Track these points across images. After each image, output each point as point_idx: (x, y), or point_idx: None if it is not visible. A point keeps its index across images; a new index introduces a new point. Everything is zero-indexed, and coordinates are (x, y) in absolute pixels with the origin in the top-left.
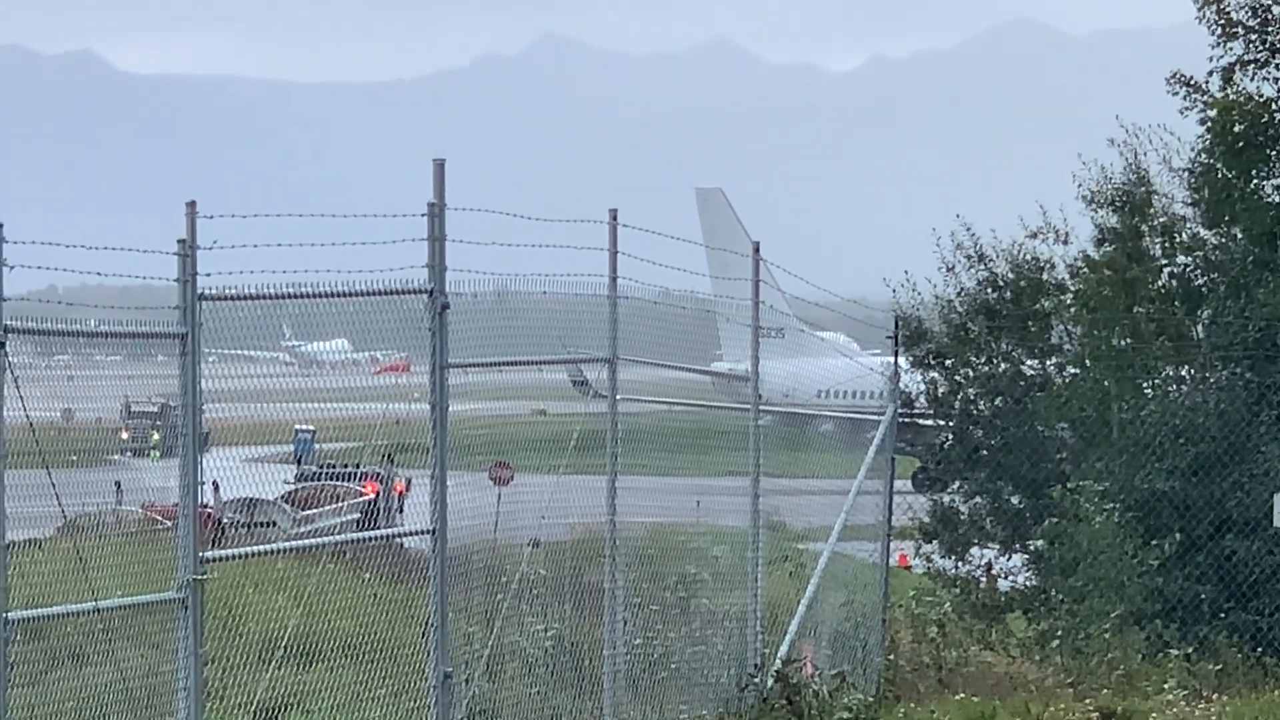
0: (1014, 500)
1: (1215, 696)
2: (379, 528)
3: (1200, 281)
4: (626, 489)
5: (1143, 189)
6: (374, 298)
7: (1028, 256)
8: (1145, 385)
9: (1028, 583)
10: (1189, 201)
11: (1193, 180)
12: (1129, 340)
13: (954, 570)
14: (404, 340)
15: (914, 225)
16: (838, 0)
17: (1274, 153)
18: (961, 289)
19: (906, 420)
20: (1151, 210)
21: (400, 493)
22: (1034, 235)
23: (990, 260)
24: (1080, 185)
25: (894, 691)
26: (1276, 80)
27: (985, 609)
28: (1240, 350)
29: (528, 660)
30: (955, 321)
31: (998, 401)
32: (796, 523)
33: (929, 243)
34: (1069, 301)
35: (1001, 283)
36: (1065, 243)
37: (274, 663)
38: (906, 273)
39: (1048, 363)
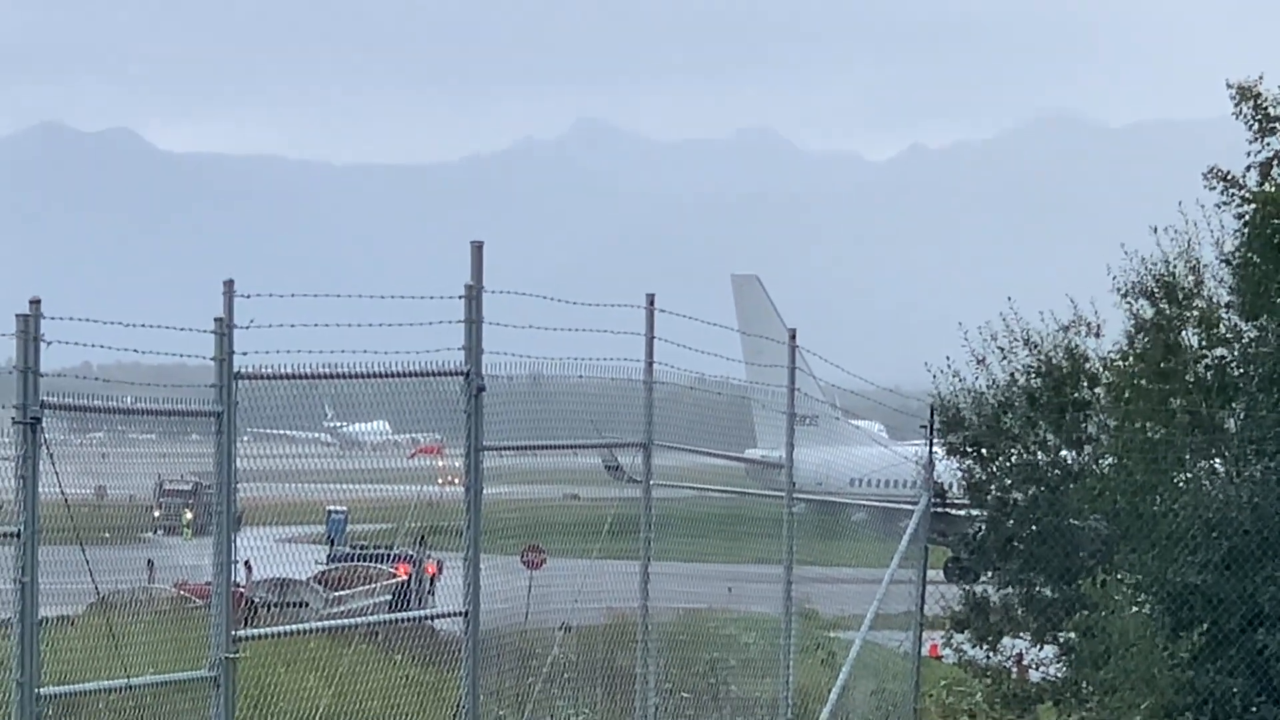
0: (1046, 591)
1: None
2: (411, 609)
3: (1237, 374)
4: (659, 574)
5: (1191, 277)
6: (411, 379)
7: (1068, 345)
8: (1178, 478)
9: (1059, 674)
10: (1231, 289)
11: (1232, 272)
12: (1169, 429)
13: (985, 660)
14: (440, 422)
15: (950, 314)
16: (877, 91)
17: None
18: (993, 381)
19: (940, 510)
20: (1197, 301)
21: (432, 575)
22: (1066, 328)
23: (1037, 346)
24: (1114, 277)
25: None
26: None
27: (1016, 699)
28: (1274, 444)
29: None
30: (989, 411)
31: (1032, 491)
32: (828, 611)
33: (964, 332)
34: (1102, 393)
35: (1046, 369)
36: (1097, 336)
37: None
38: (948, 358)
39: (1083, 453)
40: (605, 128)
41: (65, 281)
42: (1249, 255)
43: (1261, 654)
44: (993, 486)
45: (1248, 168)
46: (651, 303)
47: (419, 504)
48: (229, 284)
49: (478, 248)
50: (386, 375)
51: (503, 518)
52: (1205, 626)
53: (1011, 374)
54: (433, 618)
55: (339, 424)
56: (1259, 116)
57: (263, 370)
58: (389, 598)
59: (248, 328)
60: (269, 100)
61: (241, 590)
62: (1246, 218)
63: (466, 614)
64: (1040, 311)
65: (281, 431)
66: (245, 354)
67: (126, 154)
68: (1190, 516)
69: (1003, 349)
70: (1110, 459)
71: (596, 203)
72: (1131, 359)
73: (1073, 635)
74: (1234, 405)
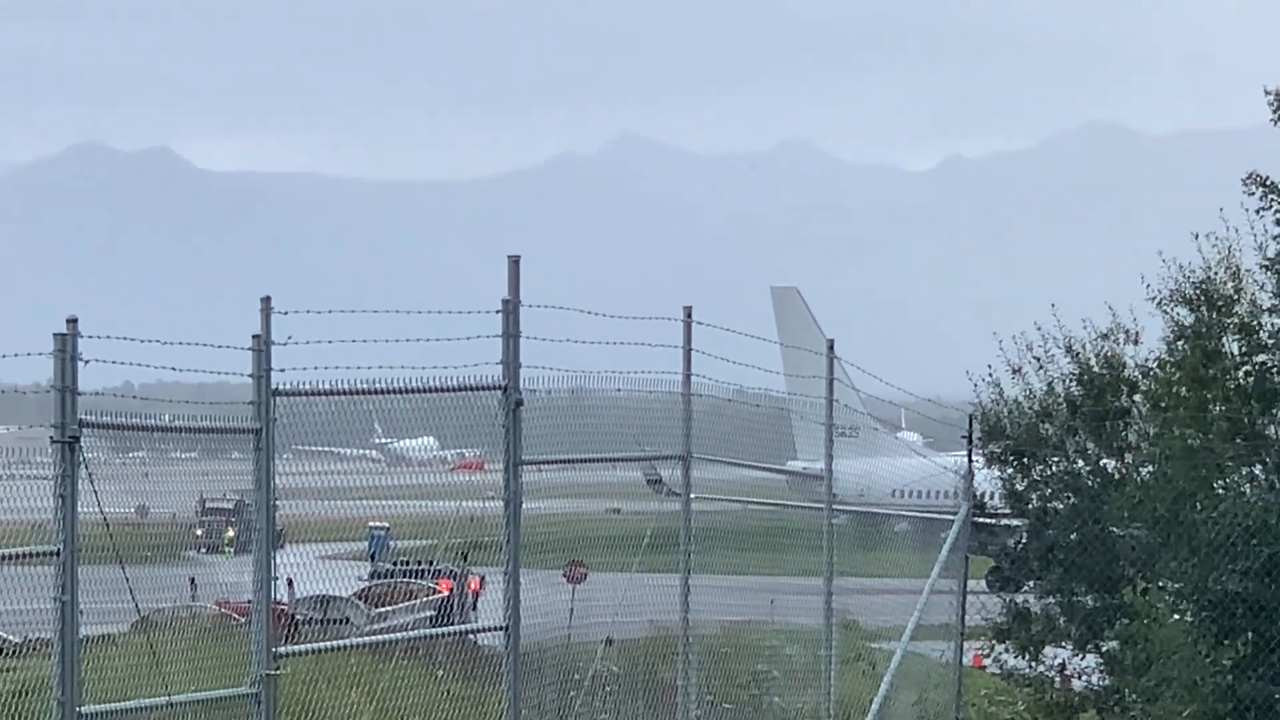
0: (1088, 600)
1: None
2: (453, 624)
3: (1278, 380)
4: (700, 587)
5: (1232, 284)
6: (453, 394)
7: (1107, 353)
8: (1219, 485)
9: (1101, 682)
10: (1274, 294)
11: (1273, 277)
12: (1208, 436)
13: (1027, 670)
14: (483, 437)
15: (990, 324)
16: (915, 102)
17: None
18: (1030, 390)
19: (979, 521)
20: (1237, 307)
21: (474, 590)
22: (1105, 336)
23: (1078, 354)
24: (1149, 286)
25: None
26: None
27: (1059, 709)
28: None
29: None
30: (1028, 421)
31: (1072, 500)
32: (869, 621)
33: (999, 342)
34: (1141, 401)
35: (1087, 377)
36: (1136, 343)
37: None
38: (989, 367)
39: (1124, 461)
40: (643, 141)
41: (105, 301)
42: None
43: None
44: (1033, 495)
45: None
46: (689, 315)
47: (460, 519)
48: (266, 300)
49: (514, 262)
50: (424, 390)
51: (544, 532)
52: (1247, 634)
53: (1050, 383)
54: (473, 632)
55: (387, 440)
56: None
57: (301, 387)
58: (432, 613)
59: (285, 344)
60: (307, 118)
61: (283, 607)
62: None
63: (507, 628)
64: (1082, 320)
65: (327, 449)
66: (284, 370)
67: (165, 173)
68: (1231, 524)
69: (1039, 359)
70: (1150, 467)
71: (635, 216)
72: (1170, 366)
73: (1114, 644)
74: (1275, 412)
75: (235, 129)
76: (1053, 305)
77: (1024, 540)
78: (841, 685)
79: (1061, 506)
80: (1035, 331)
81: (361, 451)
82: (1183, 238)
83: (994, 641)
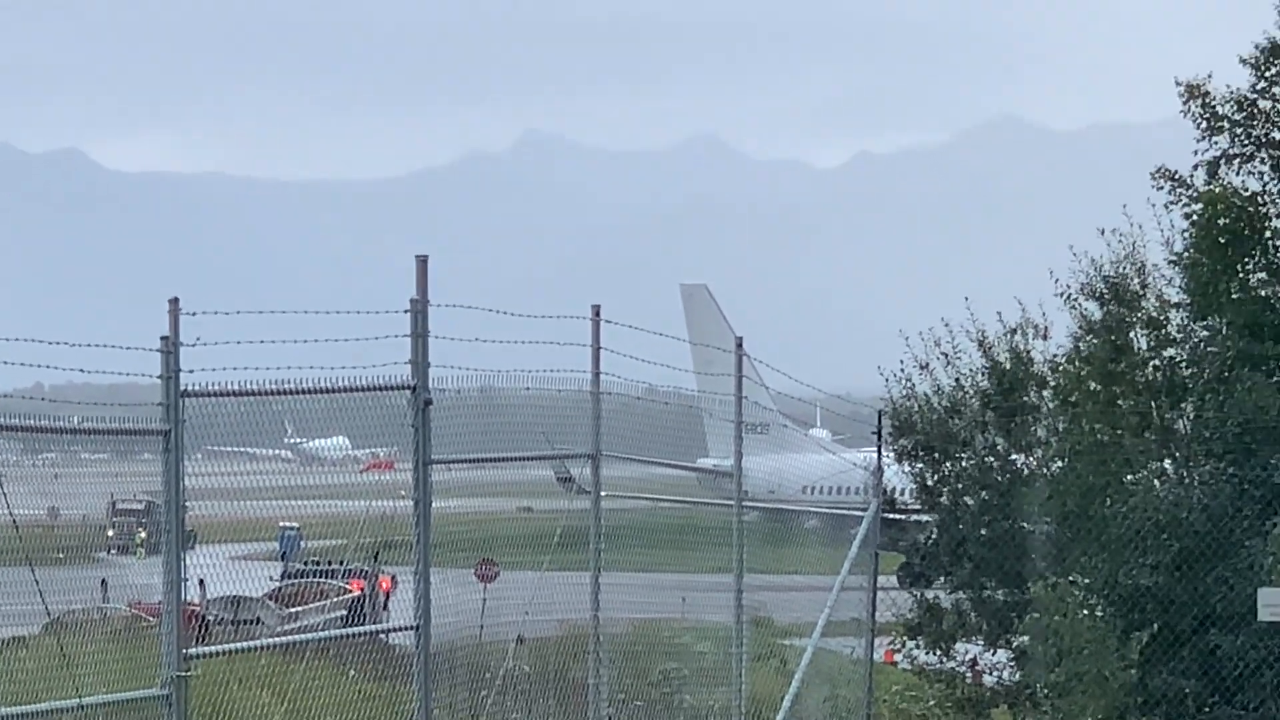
0: (998, 595)
1: None
2: (364, 624)
3: (1186, 374)
4: (611, 585)
5: (1137, 279)
6: (363, 394)
7: (1016, 349)
8: (1128, 479)
9: (1012, 678)
10: (1181, 288)
11: (1181, 272)
12: (1116, 432)
13: (939, 665)
14: (395, 436)
15: (900, 320)
16: (824, 98)
17: (1259, 246)
18: (938, 386)
19: (890, 517)
20: (1143, 302)
21: (386, 589)
22: (1013, 331)
23: (991, 347)
24: (1058, 281)
25: None
26: (1261, 174)
27: (970, 704)
28: (1224, 444)
29: None
30: (938, 416)
31: (983, 495)
32: (781, 618)
33: (905, 339)
34: (1050, 396)
35: (997, 372)
36: (1045, 338)
37: None
38: (901, 363)
39: (1033, 456)
40: (552, 139)
41: (13, 303)
42: (1197, 255)
43: (1214, 654)
44: (943, 491)
45: (1195, 166)
46: (597, 314)
47: (371, 519)
48: (174, 302)
49: (423, 262)
50: (334, 390)
51: (455, 531)
52: (1156, 628)
53: (957, 378)
54: (385, 632)
55: (299, 440)
56: (1207, 115)
57: (211, 388)
58: (343, 613)
59: (194, 346)
60: (216, 119)
61: (195, 608)
62: (1194, 217)
63: (418, 628)
64: (997, 313)
65: (239, 449)
66: (193, 371)
67: (74, 174)
68: (1141, 518)
69: (946, 354)
70: (1060, 462)
71: (544, 215)
72: (1079, 361)
73: (1025, 639)
74: (1183, 406)
75: (144, 130)
76: (966, 299)
77: (934, 536)
78: (753, 682)
79: (972, 502)
80: (943, 328)
81: (274, 452)
82: (1090, 232)
83: (905, 637)
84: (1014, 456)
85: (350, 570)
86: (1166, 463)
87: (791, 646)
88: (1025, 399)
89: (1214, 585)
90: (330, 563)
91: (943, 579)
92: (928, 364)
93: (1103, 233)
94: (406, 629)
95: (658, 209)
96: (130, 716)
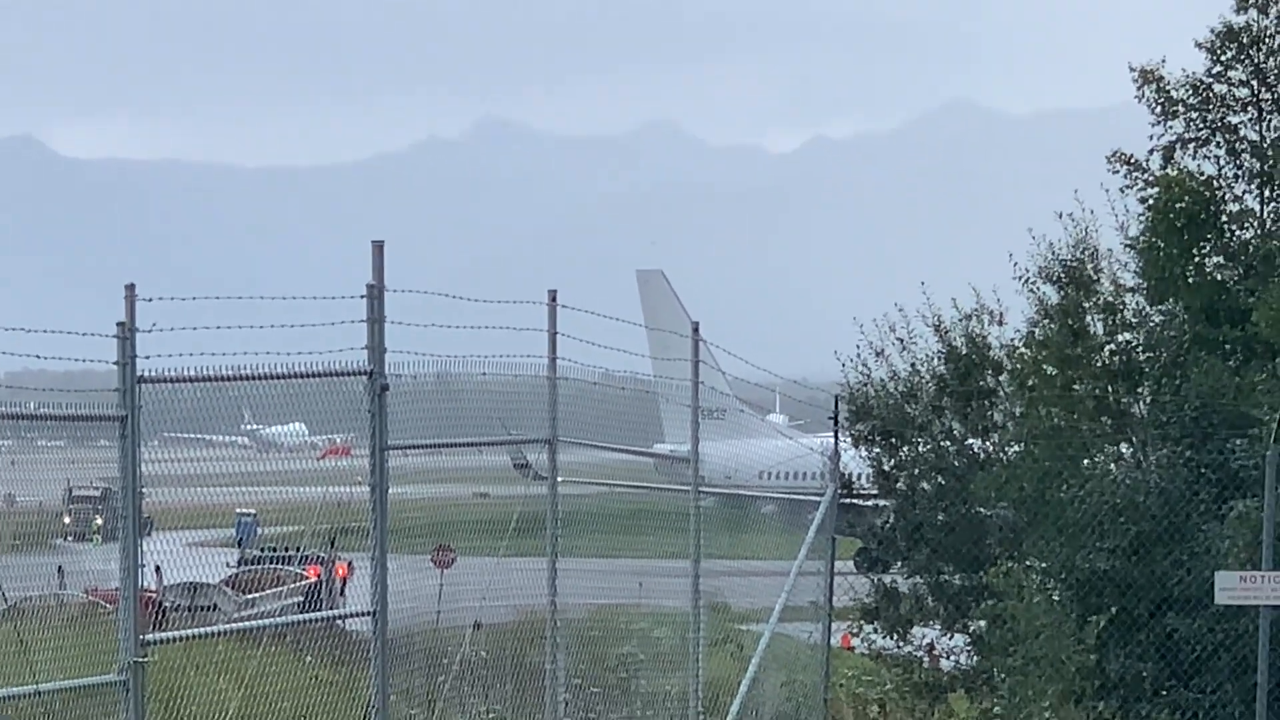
0: (955, 580)
1: None
2: (321, 610)
3: (1142, 358)
4: (568, 571)
5: (1091, 265)
6: (319, 380)
7: (972, 334)
8: (1085, 464)
9: (969, 662)
10: (1137, 273)
11: (1137, 256)
12: (1073, 416)
13: (896, 650)
14: (352, 422)
15: (856, 305)
16: (778, 83)
17: (1214, 230)
18: (894, 372)
19: (847, 501)
20: (1097, 286)
21: (342, 576)
22: (968, 316)
23: (947, 332)
24: (1016, 264)
25: None
26: (1217, 159)
27: (927, 689)
28: (1180, 428)
29: None
30: (894, 401)
31: (940, 480)
32: (738, 604)
33: (859, 326)
34: (1006, 381)
35: (953, 357)
36: (1001, 323)
37: None
38: (857, 348)
39: (990, 441)
40: (507, 125)
41: None
42: (1153, 240)
43: (1171, 638)
44: (900, 476)
45: (1151, 151)
46: (553, 299)
47: (328, 505)
48: (130, 288)
49: (378, 247)
50: (291, 376)
51: (411, 517)
52: (1113, 612)
53: (913, 364)
54: (341, 618)
55: (256, 427)
56: (1161, 100)
57: (167, 374)
58: (300, 599)
59: (150, 331)
60: (172, 106)
61: (152, 595)
62: (1150, 201)
63: (375, 614)
64: (953, 298)
65: (196, 435)
66: (149, 358)
67: (29, 161)
68: (1097, 503)
69: (902, 340)
70: (1016, 446)
71: (501, 200)
72: (1035, 346)
73: (982, 623)
74: (1140, 390)
75: (100, 116)
76: (922, 284)
77: (891, 521)
78: (710, 667)
79: (928, 487)
80: (897, 313)
81: (231, 438)
82: (1046, 217)
83: (862, 622)
84: (970, 441)
85: (307, 557)
86: (1123, 447)
87: (748, 632)
88: (982, 384)
89: (1171, 569)
90: (287, 549)
91: (900, 564)
92: (883, 350)
93: (1060, 216)
94: (363, 615)
95: (613, 194)
96: (87, 703)
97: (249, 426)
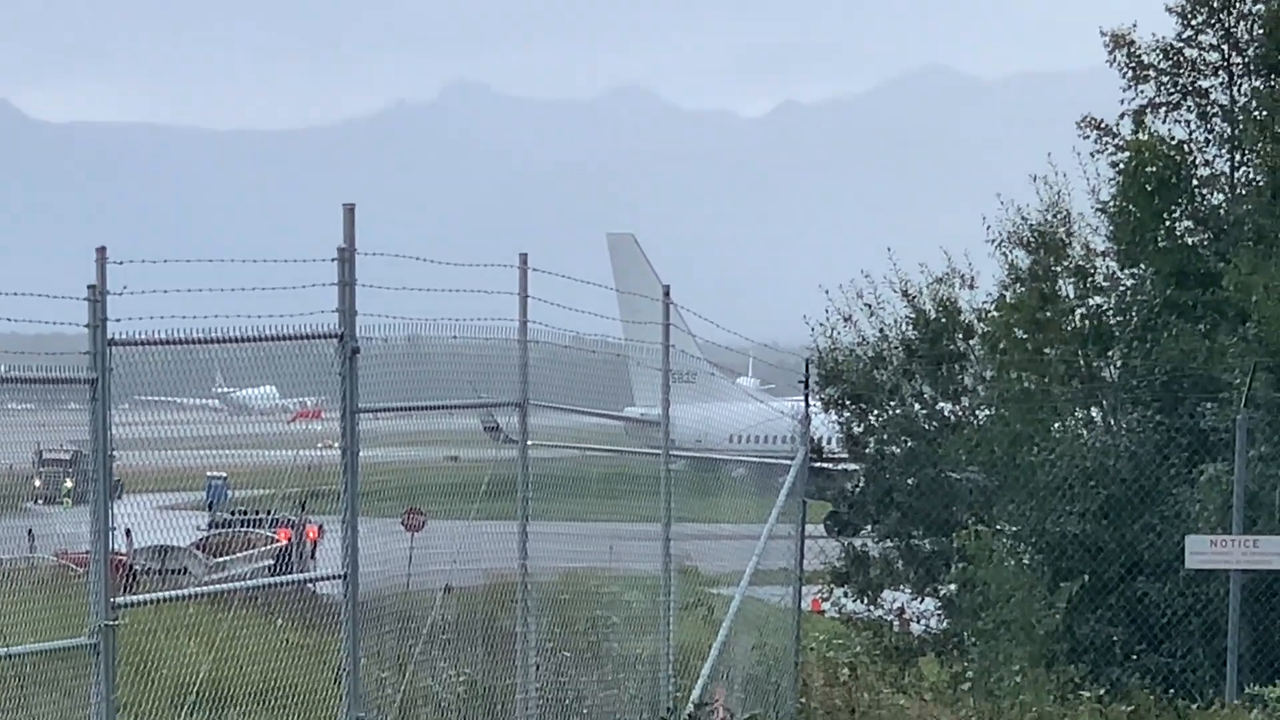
0: (926, 544)
1: None
2: (291, 574)
3: (1113, 322)
4: (538, 534)
5: (1063, 229)
6: (291, 342)
7: (943, 298)
8: (1055, 427)
9: (940, 626)
10: (1107, 237)
11: (1107, 221)
12: (1044, 380)
13: (866, 614)
14: (323, 386)
15: (827, 270)
16: (749, 46)
17: (1185, 194)
18: (862, 337)
19: (817, 466)
20: (1069, 250)
21: (313, 539)
22: (939, 280)
23: (915, 298)
24: (989, 228)
25: None
26: (1187, 123)
27: (898, 652)
28: (1149, 392)
29: (440, 705)
30: (864, 367)
31: (910, 444)
32: (709, 567)
33: (826, 291)
34: (977, 344)
35: (923, 321)
36: (971, 287)
37: (186, 709)
38: (826, 312)
39: (960, 405)
40: (478, 88)
41: None
42: (1124, 203)
43: (1141, 602)
44: (870, 440)
45: (1121, 115)
46: (525, 262)
47: (298, 469)
48: (101, 251)
49: (349, 210)
50: (261, 339)
51: (382, 480)
52: (1084, 576)
53: (881, 329)
54: (312, 581)
55: (229, 390)
56: (1132, 64)
57: (137, 336)
58: (270, 563)
59: (121, 294)
60: (142, 68)
61: (122, 558)
62: (1121, 166)
63: (346, 577)
64: (920, 264)
65: (167, 398)
66: (120, 320)
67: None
68: (1068, 466)
69: (870, 305)
70: (987, 410)
71: (471, 164)
72: (1006, 309)
73: (952, 587)
74: (1110, 354)
75: (70, 79)
76: (889, 249)
77: (861, 484)
78: (681, 631)
79: (898, 450)
80: (864, 279)
81: (203, 401)
82: (1019, 182)
83: (832, 586)
84: (941, 405)
85: (278, 520)
86: (1094, 410)
87: (719, 595)
88: (952, 347)
89: (1141, 533)
90: (258, 512)
91: (870, 527)
92: (850, 315)
93: (1034, 180)
94: (334, 578)
95: (584, 158)
96: (58, 665)
97: (220, 390)
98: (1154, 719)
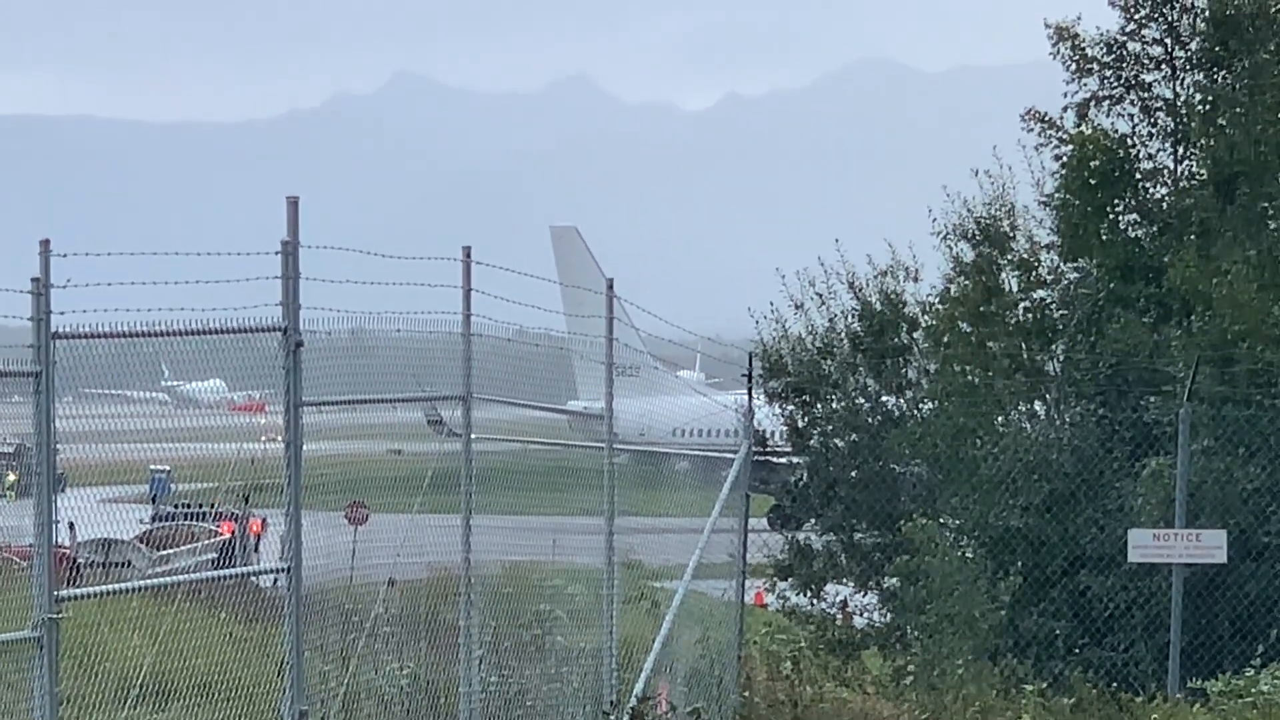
0: (869, 537)
1: None
2: (235, 567)
3: (1057, 316)
4: (482, 528)
5: (1007, 222)
6: (235, 336)
7: (887, 290)
8: (999, 421)
9: (883, 619)
10: (1052, 230)
11: (1052, 214)
12: (987, 373)
13: (809, 607)
14: (268, 379)
15: (770, 263)
16: (691, 39)
17: (1129, 188)
18: (812, 327)
19: (761, 459)
20: (1012, 244)
21: (256, 533)
22: (884, 273)
23: (861, 289)
24: (935, 220)
25: None
26: (1131, 116)
27: (841, 646)
28: (1093, 386)
29: (384, 699)
30: (808, 358)
31: (853, 437)
32: (652, 561)
33: (781, 277)
34: (921, 337)
35: (868, 314)
36: (916, 280)
37: (130, 702)
38: (772, 304)
39: (904, 398)
40: (420, 80)
41: None
42: (1068, 197)
43: (1084, 595)
44: (814, 433)
45: (1065, 108)
46: (468, 255)
47: (241, 461)
48: (45, 243)
49: (293, 203)
50: (206, 332)
51: (325, 474)
52: (1027, 569)
53: (830, 319)
54: (255, 574)
55: (175, 383)
56: (1076, 57)
57: (82, 329)
58: (213, 556)
59: (64, 287)
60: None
61: (65, 551)
62: (1065, 159)
63: (289, 570)
64: (867, 255)
65: (112, 391)
66: (64, 313)
67: None
68: (1011, 459)
69: (821, 295)
70: (931, 403)
71: (414, 157)
72: (950, 303)
73: (895, 580)
74: (1054, 347)
75: (10, 68)
76: (836, 241)
77: (805, 478)
78: (624, 624)
79: (842, 444)
80: (819, 267)
81: (149, 394)
82: (962, 174)
83: (776, 579)
84: (885, 398)
85: (221, 513)
86: (1037, 404)
87: (663, 589)
88: (896, 340)
89: (1084, 526)
90: (201, 505)
91: (813, 521)
92: (802, 304)
93: (976, 174)
94: (277, 571)
95: (527, 150)
96: (2, 659)
97: (167, 383)
98: (1096, 712)
